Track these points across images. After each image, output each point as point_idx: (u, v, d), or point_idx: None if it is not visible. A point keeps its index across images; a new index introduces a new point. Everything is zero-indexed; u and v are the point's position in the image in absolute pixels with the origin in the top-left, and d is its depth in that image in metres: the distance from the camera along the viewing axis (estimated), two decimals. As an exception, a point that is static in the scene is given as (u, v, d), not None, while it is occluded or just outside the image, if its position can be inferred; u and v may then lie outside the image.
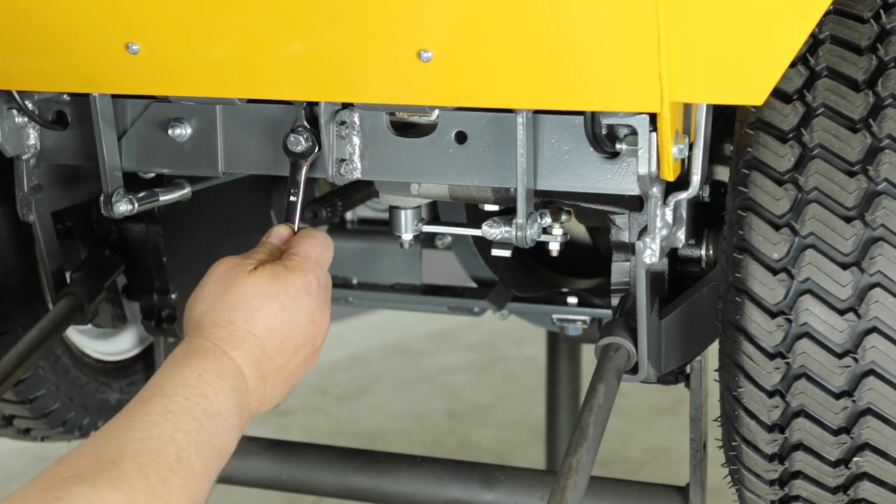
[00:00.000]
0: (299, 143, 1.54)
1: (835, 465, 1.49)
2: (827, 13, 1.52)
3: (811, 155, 1.45)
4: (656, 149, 1.41)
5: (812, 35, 1.50)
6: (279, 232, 1.51)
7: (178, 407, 1.24)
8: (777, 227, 1.45)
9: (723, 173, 1.91)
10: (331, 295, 1.47)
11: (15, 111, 1.69)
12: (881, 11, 1.50)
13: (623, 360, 1.53)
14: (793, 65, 1.49)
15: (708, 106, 1.47)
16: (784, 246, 1.45)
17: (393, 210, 1.69)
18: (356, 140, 1.54)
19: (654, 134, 1.41)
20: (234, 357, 1.34)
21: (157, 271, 1.95)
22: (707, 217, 1.71)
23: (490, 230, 1.55)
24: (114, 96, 1.62)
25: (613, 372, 1.50)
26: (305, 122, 1.55)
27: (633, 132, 1.42)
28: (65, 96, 1.69)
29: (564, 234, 1.62)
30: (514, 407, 4.12)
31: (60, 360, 2.03)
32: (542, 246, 1.67)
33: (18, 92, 1.64)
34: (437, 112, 1.52)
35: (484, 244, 2.14)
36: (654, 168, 1.43)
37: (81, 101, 1.67)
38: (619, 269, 1.63)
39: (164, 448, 1.18)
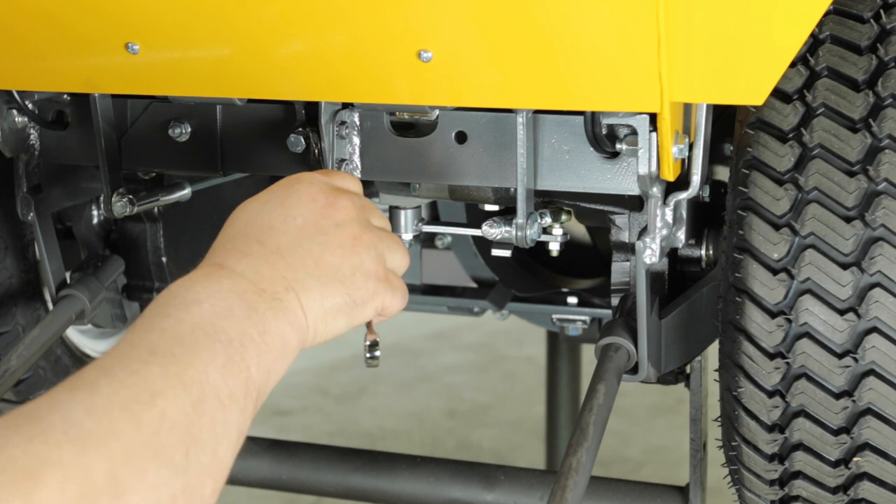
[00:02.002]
0: (299, 143, 1.54)
1: (835, 465, 1.49)
2: (827, 13, 1.52)
3: (811, 155, 1.45)
4: (656, 149, 1.41)
5: (812, 35, 1.50)
6: None
7: (145, 320, 1.07)
8: (777, 227, 1.45)
9: (723, 173, 1.91)
10: (355, 200, 1.26)
11: (15, 111, 1.69)
12: (881, 11, 1.50)
13: (623, 360, 1.53)
14: (793, 65, 1.49)
15: (708, 106, 1.47)
16: (784, 246, 1.45)
17: (393, 210, 1.70)
18: (356, 140, 1.54)
19: (654, 134, 1.41)
20: (209, 262, 1.17)
21: (157, 271, 1.95)
22: (707, 217, 1.71)
23: (490, 230, 1.55)
24: (114, 96, 1.62)
25: (613, 372, 1.50)
26: (305, 122, 1.55)
27: (633, 132, 1.42)
28: (65, 96, 1.69)
29: (564, 234, 1.62)
30: (514, 407, 4.13)
31: (60, 360, 2.03)
32: (542, 246, 1.67)
33: (18, 92, 1.64)
34: (437, 112, 1.52)
35: (484, 244, 2.14)
36: (654, 168, 1.43)
37: (81, 101, 1.67)
38: (619, 269, 1.63)
39: (130, 350, 1.02)
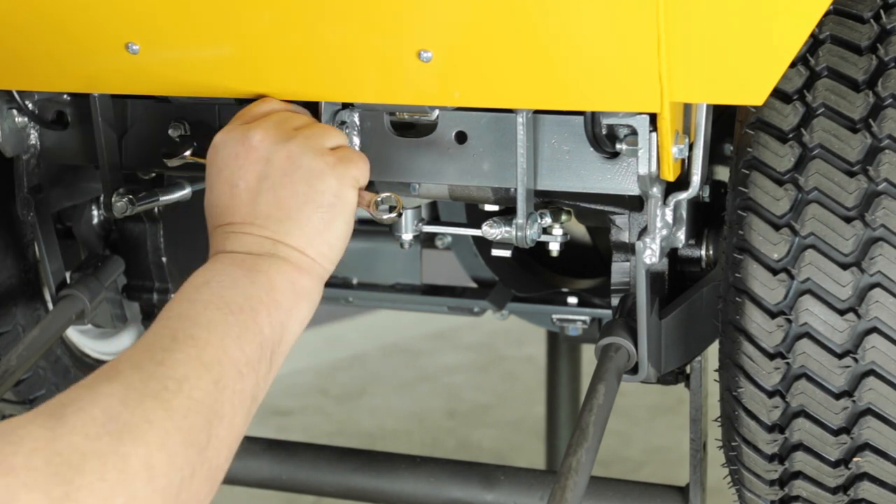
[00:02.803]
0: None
1: (835, 465, 1.49)
2: (827, 13, 1.52)
3: (811, 155, 1.45)
4: (656, 149, 1.41)
5: (812, 35, 1.50)
6: None
7: (166, 309, 1.20)
8: (777, 227, 1.45)
9: (723, 173, 1.91)
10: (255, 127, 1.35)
11: (15, 111, 1.69)
12: (881, 11, 1.50)
13: (623, 360, 1.53)
14: (793, 65, 1.49)
15: (708, 106, 1.47)
16: (784, 246, 1.45)
17: (393, 210, 1.69)
18: (356, 140, 1.54)
19: (654, 134, 1.41)
20: (210, 254, 1.33)
21: (157, 271, 1.95)
22: (707, 217, 1.71)
23: (490, 230, 1.55)
24: (114, 96, 1.62)
25: (613, 372, 1.50)
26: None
27: (633, 132, 1.42)
28: (65, 96, 1.69)
29: (564, 234, 1.62)
30: (514, 407, 4.12)
31: (60, 360, 2.03)
32: (542, 246, 1.67)
33: (18, 92, 1.64)
34: (437, 112, 1.52)
35: (484, 244, 2.14)
36: (654, 168, 1.43)
37: (81, 101, 1.67)
38: (619, 269, 1.63)
39: (155, 339, 1.13)
